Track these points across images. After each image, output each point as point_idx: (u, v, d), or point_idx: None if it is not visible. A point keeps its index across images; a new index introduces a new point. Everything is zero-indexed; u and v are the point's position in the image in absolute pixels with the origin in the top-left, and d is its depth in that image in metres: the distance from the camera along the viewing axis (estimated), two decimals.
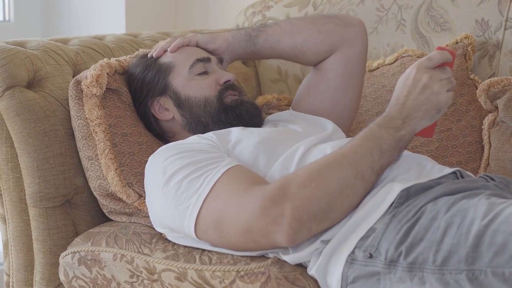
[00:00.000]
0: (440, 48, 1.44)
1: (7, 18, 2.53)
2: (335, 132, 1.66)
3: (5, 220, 1.72)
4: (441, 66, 1.44)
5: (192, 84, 1.67)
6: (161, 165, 1.47)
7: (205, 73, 1.68)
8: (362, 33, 1.78)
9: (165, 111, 1.69)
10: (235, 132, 1.57)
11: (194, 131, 1.67)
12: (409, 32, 2.02)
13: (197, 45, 1.74)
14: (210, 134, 1.55)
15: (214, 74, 1.69)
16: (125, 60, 1.75)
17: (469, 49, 1.89)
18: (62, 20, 2.58)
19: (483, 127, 1.83)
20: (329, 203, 1.34)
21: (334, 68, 1.77)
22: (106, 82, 1.64)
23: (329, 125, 1.68)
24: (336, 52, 1.77)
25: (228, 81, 1.68)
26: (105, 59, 1.71)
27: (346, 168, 1.36)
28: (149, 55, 1.73)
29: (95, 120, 1.62)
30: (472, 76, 1.90)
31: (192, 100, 1.66)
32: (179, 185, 1.43)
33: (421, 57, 1.92)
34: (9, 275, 1.74)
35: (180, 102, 1.67)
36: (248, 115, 1.67)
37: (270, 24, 1.78)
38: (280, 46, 1.76)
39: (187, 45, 1.73)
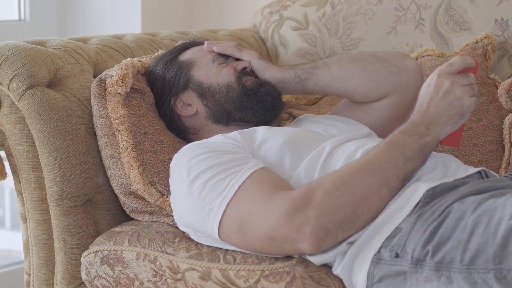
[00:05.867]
0: (462, 55, 1.45)
1: (22, 18, 2.53)
2: (370, 136, 1.64)
3: (26, 219, 1.72)
4: (463, 72, 1.44)
5: (214, 72, 1.68)
6: (186, 165, 1.47)
7: (224, 63, 1.71)
8: (417, 79, 1.70)
9: (188, 106, 1.70)
10: (261, 132, 1.56)
11: (218, 120, 1.67)
12: (428, 32, 2.01)
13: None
14: (234, 134, 1.55)
15: (231, 63, 1.71)
16: (145, 60, 1.75)
17: (489, 49, 1.89)
18: (78, 19, 2.58)
19: (503, 126, 1.82)
20: (355, 211, 1.33)
21: (381, 110, 1.73)
22: (131, 82, 1.64)
23: (365, 130, 1.67)
24: (386, 98, 1.72)
25: (245, 68, 1.70)
26: (128, 58, 1.71)
27: (372, 176, 1.35)
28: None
29: (118, 118, 1.62)
30: (492, 75, 1.89)
31: (215, 87, 1.67)
32: (203, 186, 1.42)
33: (441, 56, 1.93)
34: (29, 274, 1.74)
35: (203, 92, 1.67)
36: (270, 96, 1.67)
37: (320, 66, 1.72)
38: (330, 90, 1.73)
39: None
